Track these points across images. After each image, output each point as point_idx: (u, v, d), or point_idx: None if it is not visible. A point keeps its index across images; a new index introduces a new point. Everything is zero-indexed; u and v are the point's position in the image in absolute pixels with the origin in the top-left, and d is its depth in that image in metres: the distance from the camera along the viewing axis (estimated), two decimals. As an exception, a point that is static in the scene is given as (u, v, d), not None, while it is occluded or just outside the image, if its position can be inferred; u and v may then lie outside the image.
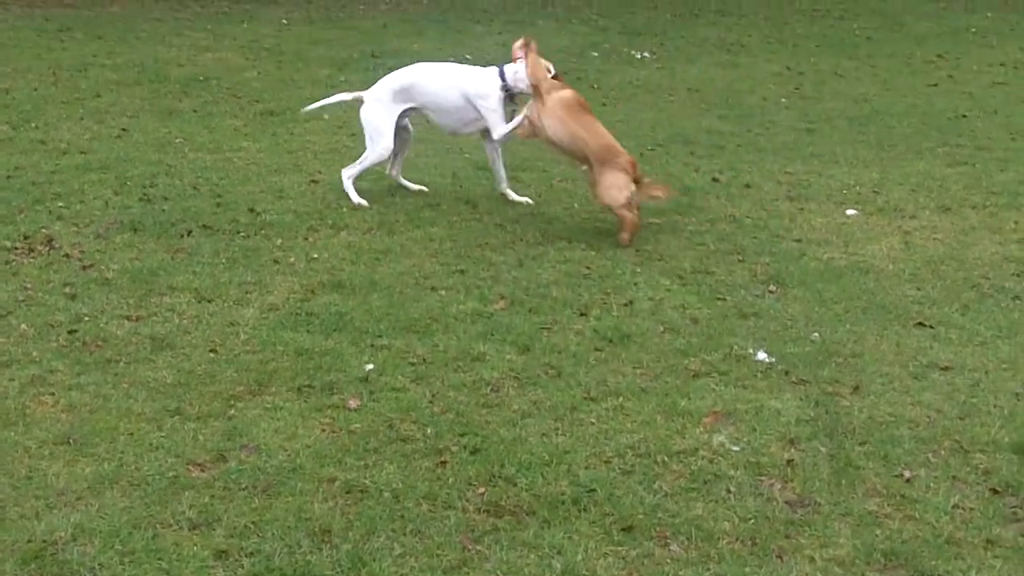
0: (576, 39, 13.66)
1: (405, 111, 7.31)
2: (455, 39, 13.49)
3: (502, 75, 7.19)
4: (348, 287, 5.94)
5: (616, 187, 6.56)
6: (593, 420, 4.65)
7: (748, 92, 11.00)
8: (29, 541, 3.78)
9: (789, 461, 4.36)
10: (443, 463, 4.31)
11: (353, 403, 4.74)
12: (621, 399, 4.82)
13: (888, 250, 6.68)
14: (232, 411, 4.66)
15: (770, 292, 6.01)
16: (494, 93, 7.18)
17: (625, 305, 5.80)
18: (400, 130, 7.35)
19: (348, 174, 7.35)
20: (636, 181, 6.59)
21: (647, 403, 4.79)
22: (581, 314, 5.67)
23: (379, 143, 7.26)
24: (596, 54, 12.77)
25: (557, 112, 6.71)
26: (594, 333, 5.44)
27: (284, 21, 14.39)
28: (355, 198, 7.26)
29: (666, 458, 4.38)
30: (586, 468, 4.28)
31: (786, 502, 4.09)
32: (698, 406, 4.77)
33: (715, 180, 7.97)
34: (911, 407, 4.80)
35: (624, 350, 5.29)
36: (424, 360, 5.14)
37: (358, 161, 7.35)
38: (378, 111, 7.26)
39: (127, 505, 4.00)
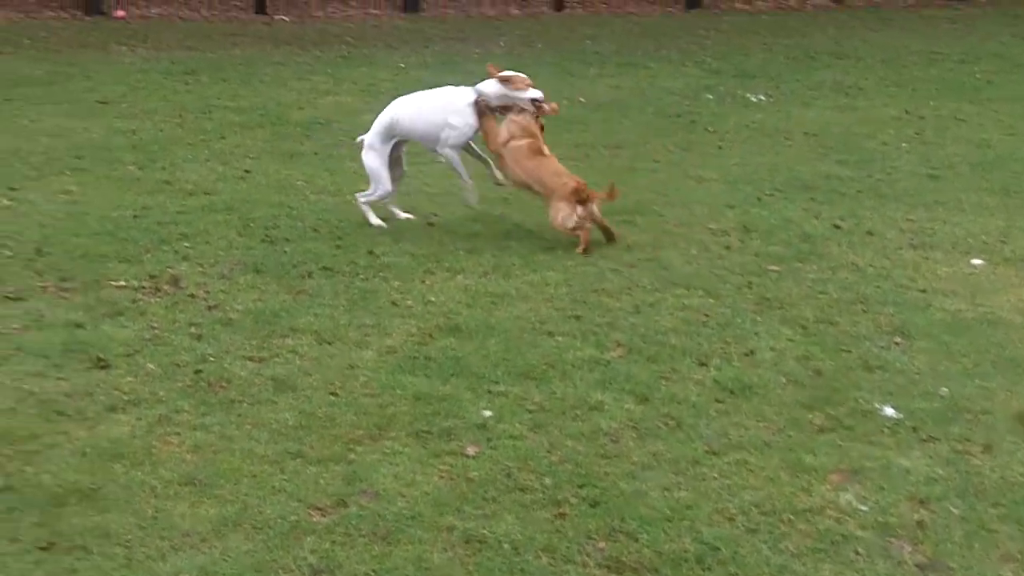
0: (690, 81, 13.60)
1: (395, 145, 7.77)
2: (568, 82, 13.51)
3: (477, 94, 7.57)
4: (465, 331, 5.96)
5: (563, 213, 7.22)
6: (715, 475, 4.58)
7: (867, 136, 10.82)
8: (156, 582, 3.85)
9: (919, 522, 4.25)
10: (562, 515, 4.28)
11: (471, 450, 4.74)
12: (744, 453, 4.74)
13: (1016, 302, 6.49)
14: (352, 455, 4.70)
15: (895, 344, 5.88)
16: (465, 109, 7.55)
17: (746, 355, 5.72)
18: (393, 162, 7.79)
19: (362, 200, 7.77)
20: (587, 200, 7.18)
21: (771, 458, 4.71)
22: (701, 363, 5.61)
23: (379, 186, 7.71)
24: (711, 96, 12.69)
25: (514, 158, 7.45)
26: (714, 383, 5.38)
27: (401, 65, 14.57)
28: (373, 220, 7.72)
29: (791, 516, 4.29)
30: (709, 525, 4.22)
31: (917, 565, 3.98)
32: (823, 462, 4.68)
33: (836, 227, 7.85)
34: (1045, 468, 4.64)
35: (746, 402, 5.21)
36: (541, 407, 5.13)
37: (366, 192, 7.77)
38: (371, 155, 7.73)
39: (250, 549, 4.04)
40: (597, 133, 10.71)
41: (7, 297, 6.35)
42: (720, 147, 10.26)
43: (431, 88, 7.97)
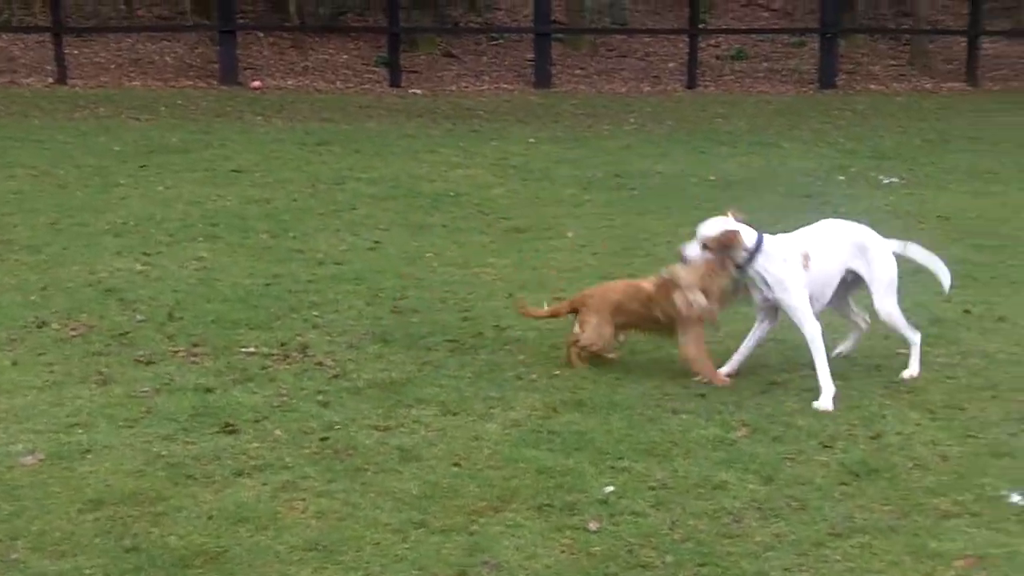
0: (823, 162, 13.52)
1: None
2: (699, 160, 13.56)
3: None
4: (589, 406, 5.97)
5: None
6: (839, 557, 4.50)
7: (1002, 221, 10.62)
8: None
9: (1049, 614, 4.12)
10: (683, 593, 4.24)
11: (593, 525, 4.73)
12: (868, 537, 4.65)
13: None
14: (474, 526, 4.72)
15: (1025, 431, 5.73)
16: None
17: (872, 438, 5.62)
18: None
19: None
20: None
21: (895, 543, 4.61)
22: (826, 446, 5.52)
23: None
24: (842, 178, 12.60)
25: None
26: (840, 466, 5.29)
27: (532, 140, 14.78)
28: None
29: (916, 603, 4.20)
30: (832, 609, 4.15)
31: (1048, 660, 3.85)
32: (949, 548, 4.56)
33: (967, 312, 7.69)
34: None
35: (871, 485, 5.11)
36: (664, 485, 5.10)
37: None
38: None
39: (372, 615, 4.08)
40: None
41: (139, 361, 6.56)
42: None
43: None
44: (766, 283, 6.19)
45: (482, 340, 6.98)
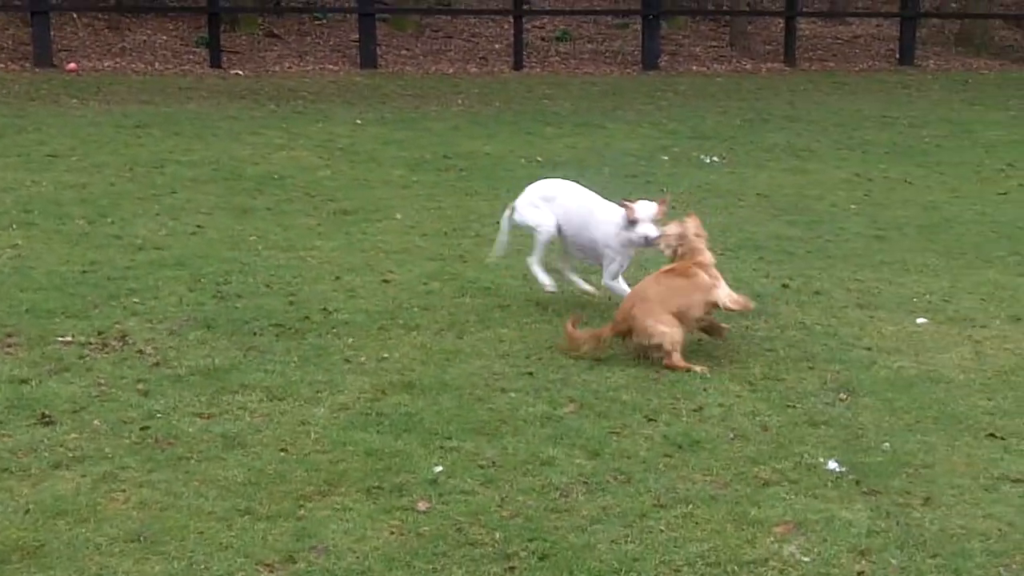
0: (646, 143, 13.77)
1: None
2: (526, 141, 13.65)
3: None
4: (418, 388, 5.97)
5: None
6: (663, 528, 4.61)
7: (817, 198, 11.00)
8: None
9: (860, 573, 4.32)
10: (511, 569, 4.29)
11: (422, 505, 4.74)
12: (691, 507, 4.78)
13: (959, 360, 6.59)
14: (302, 511, 4.68)
15: (840, 400, 5.95)
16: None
17: (695, 411, 5.77)
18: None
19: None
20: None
21: (717, 511, 4.75)
22: (650, 419, 5.65)
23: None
24: (666, 158, 12.85)
25: None
26: (663, 439, 5.42)
27: (358, 121, 14.65)
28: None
29: (736, 568, 4.34)
30: (656, 578, 4.24)
31: (860, 618, 4.01)
32: (768, 515, 4.72)
33: (785, 286, 7.95)
34: (983, 520, 4.72)
35: (694, 456, 5.25)
36: (493, 463, 5.13)
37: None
38: None
39: (196, 605, 4.01)
40: (552, 191, 10.77)
41: (-49, 352, 6.30)
42: (674, 208, 10.32)
43: None
44: None
45: (309, 324, 6.90)
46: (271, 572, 4.25)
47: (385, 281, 7.83)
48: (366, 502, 4.77)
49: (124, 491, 4.81)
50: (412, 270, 8.08)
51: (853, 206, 10.72)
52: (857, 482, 5.03)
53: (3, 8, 21.37)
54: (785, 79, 20.50)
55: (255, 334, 6.71)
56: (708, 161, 12.70)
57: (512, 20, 21.49)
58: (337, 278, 7.84)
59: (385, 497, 4.81)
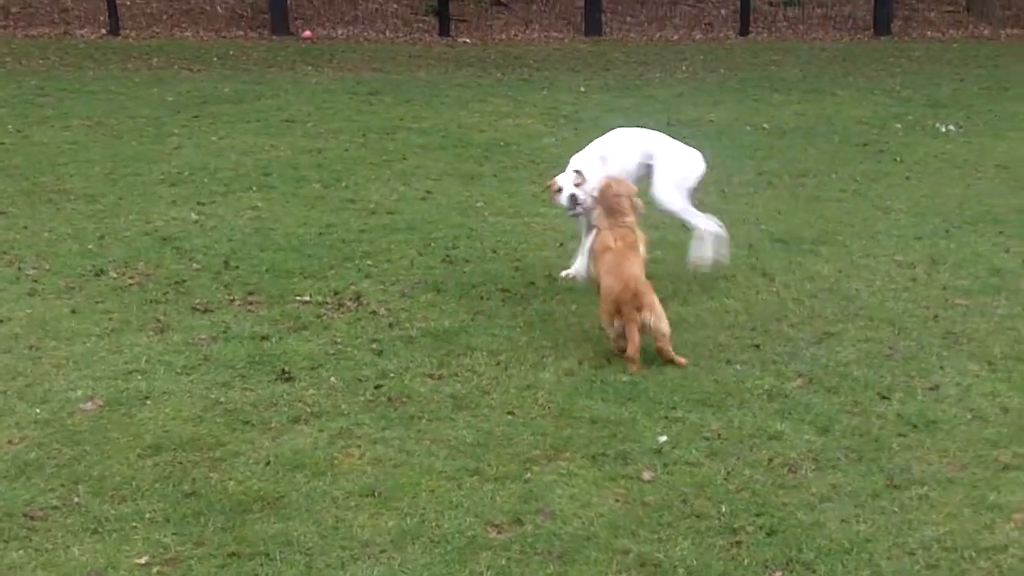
0: (878, 110, 13.32)
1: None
2: (752, 108, 13.40)
3: None
4: (642, 356, 5.93)
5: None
6: (896, 509, 4.47)
7: (1063, 169, 10.43)
8: (336, 589, 3.94)
9: (1113, 569, 4.08)
10: (738, 543, 4.24)
11: (647, 475, 4.73)
12: (926, 488, 4.62)
13: None
14: (528, 474, 4.74)
15: (1090, 384, 5.65)
16: None
17: (930, 390, 5.57)
18: None
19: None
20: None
21: (954, 494, 4.58)
22: (883, 397, 5.48)
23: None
24: (899, 126, 12.41)
25: None
26: (897, 417, 5.25)
27: (582, 89, 14.66)
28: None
29: (973, 554, 4.18)
30: (888, 559, 4.13)
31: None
32: (1008, 500, 4.53)
33: (1027, 262, 7.58)
34: None
35: (929, 437, 5.07)
36: (718, 435, 5.08)
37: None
38: None
39: (427, 562, 4.12)
40: (781, 161, 10.58)
41: (195, 309, 6.61)
42: (908, 178, 10.02)
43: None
44: None
45: (534, 290, 6.97)
46: (499, 532, 4.32)
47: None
48: (591, 468, 4.79)
49: (359, 447, 4.97)
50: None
51: (1103, 179, 10.12)
52: (1107, 470, 4.78)
53: (244, -22, 22.24)
54: (1027, 45, 19.50)
55: (482, 298, 6.82)
56: (944, 130, 12.19)
57: (739, -15, 21.06)
58: (561, 244, 7.88)
59: (610, 464, 4.83)
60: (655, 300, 5.86)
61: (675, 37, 20.25)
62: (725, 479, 4.70)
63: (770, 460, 4.86)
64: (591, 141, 7.45)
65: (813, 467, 4.81)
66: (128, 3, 20.83)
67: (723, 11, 22.30)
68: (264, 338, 6.17)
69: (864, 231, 8.25)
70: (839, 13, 22.48)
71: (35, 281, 7.04)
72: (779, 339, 6.20)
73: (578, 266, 7.07)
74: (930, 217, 8.65)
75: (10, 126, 11.68)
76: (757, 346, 6.10)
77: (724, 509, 4.47)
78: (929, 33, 20.88)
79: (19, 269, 7.24)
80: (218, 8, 21.32)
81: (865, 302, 6.77)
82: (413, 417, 5.26)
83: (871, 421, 5.22)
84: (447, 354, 5.98)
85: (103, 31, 19.17)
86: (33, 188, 9.25)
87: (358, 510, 4.47)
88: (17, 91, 13.76)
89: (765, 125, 12.30)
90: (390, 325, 6.39)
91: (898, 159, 10.74)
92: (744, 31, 20.23)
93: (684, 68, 16.69)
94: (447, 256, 7.61)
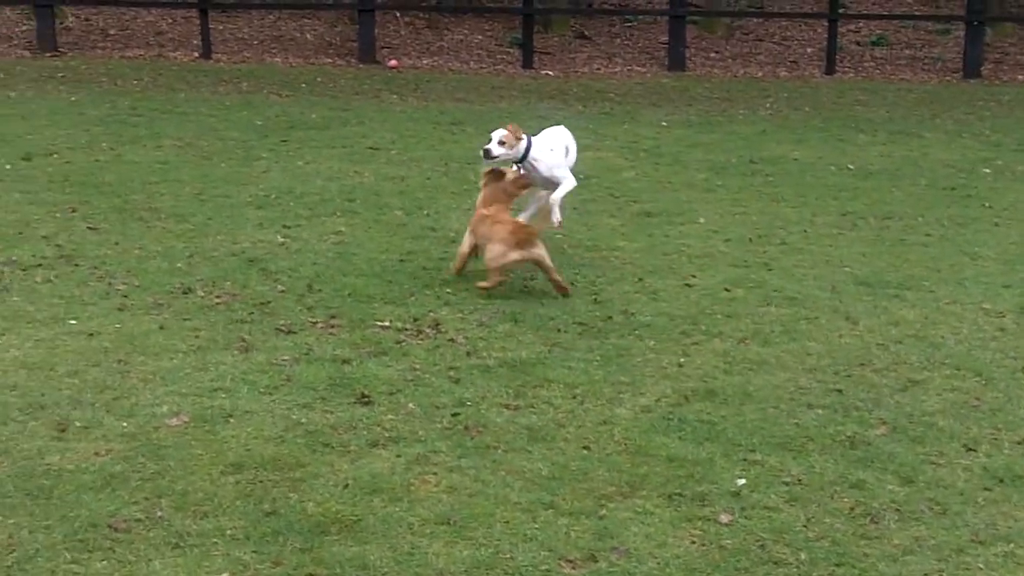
0: (966, 153, 13.15)
1: None
2: (837, 148, 13.29)
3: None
4: (720, 396, 5.90)
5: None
6: (981, 565, 4.38)
7: None
8: (410, 618, 3.94)
9: None
10: (817, 591, 4.18)
11: (724, 517, 4.68)
12: (1012, 545, 4.52)
13: None
14: (603, 511, 4.71)
15: None
16: None
17: (1018, 443, 5.45)
18: None
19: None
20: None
21: (1040, 553, 4.48)
22: (969, 449, 5.38)
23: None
24: (988, 170, 12.23)
25: None
26: (983, 471, 5.15)
27: (664, 123, 14.65)
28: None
29: (1061, 615, 4.07)
30: (972, 616, 4.04)
31: None
32: (1098, 561, 4.42)
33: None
34: None
35: (1016, 492, 4.96)
36: (799, 481, 5.01)
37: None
38: None
39: (502, 594, 4.10)
40: (866, 202, 10.47)
41: (279, 330, 6.68)
42: (996, 224, 9.86)
43: None
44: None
45: (611, 324, 6.95)
46: (573, 568, 4.29)
47: (687, 285, 7.79)
48: (667, 508, 4.75)
49: (435, 474, 4.98)
50: (714, 275, 8.00)
51: None
52: None
53: (334, 6, 22.56)
54: (1123, 91, 19.15)
55: (559, 330, 6.81)
56: (1034, 177, 12.00)
57: (826, 23, 20.96)
58: (639, 280, 7.85)
59: (687, 505, 4.78)
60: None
61: (759, 74, 20.18)
62: (805, 526, 4.64)
63: (851, 509, 4.78)
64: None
65: (896, 518, 4.72)
66: (220, 28, 21.24)
67: (809, 49, 22.20)
68: (345, 361, 6.21)
69: (951, 277, 8.13)
70: (927, 54, 22.29)
71: (124, 296, 7.16)
72: (862, 385, 6.12)
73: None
74: (1019, 265, 8.50)
75: (104, 144, 11.93)
76: (839, 391, 6.03)
77: (803, 557, 4.40)
78: (1020, 77, 20.61)
79: (109, 284, 7.38)
80: (307, 35, 21.65)
81: (951, 350, 6.66)
82: (489, 447, 5.25)
83: (956, 473, 5.13)
84: (523, 385, 5.98)
85: (196, 54, 19.56)
86: (125, 205, 9.42)
87: (433, 537, 4.47)
88: (111, 111, 14.06)
89: (850, 166, 12.19)
90: (467, 353, 6.40)
91: (986, 204, 10.58)
92: (830, 70, 20.11)
93: (768, 105, 16.62)
94: (525, 287, 7.62)
